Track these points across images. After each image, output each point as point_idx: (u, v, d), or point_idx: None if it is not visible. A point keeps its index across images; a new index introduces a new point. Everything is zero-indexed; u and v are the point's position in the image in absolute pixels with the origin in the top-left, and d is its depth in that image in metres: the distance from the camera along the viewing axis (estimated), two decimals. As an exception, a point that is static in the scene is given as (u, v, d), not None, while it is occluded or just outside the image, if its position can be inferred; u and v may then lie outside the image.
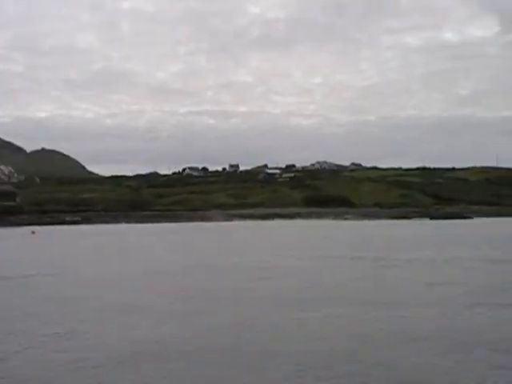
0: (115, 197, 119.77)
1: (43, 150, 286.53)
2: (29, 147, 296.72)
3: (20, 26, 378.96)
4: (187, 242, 45.41)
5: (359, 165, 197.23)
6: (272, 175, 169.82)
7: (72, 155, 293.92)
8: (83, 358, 9.74)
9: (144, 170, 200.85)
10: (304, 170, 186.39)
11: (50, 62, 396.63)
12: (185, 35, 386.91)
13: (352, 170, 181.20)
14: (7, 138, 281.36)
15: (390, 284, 18.64)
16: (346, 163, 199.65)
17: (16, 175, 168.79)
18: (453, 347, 10.18)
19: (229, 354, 9.97)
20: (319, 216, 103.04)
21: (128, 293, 17.47)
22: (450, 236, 47.76)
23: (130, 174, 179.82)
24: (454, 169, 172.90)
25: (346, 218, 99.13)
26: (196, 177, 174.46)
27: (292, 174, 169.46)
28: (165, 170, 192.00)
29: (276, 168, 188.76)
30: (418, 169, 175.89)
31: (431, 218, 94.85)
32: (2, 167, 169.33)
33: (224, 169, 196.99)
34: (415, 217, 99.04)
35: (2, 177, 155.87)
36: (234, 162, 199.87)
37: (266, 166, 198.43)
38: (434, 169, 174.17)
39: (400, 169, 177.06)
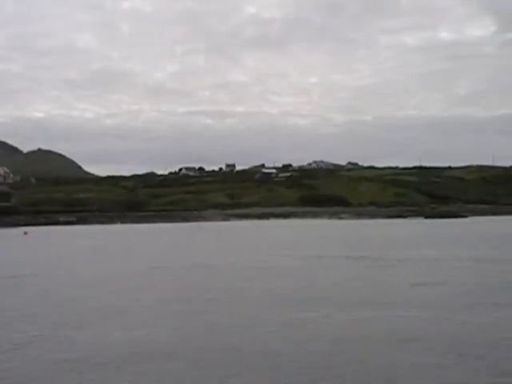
0: (111, 197, 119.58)
1: (40, 150, 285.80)
2: (26, 147, 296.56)
3: (19, 25, 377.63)
4: (184, 243, 45.38)
5: (356, 164, 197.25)
6: (268, 175, 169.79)
7: (69, 155, 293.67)
8: (87, 356, 9.80)
9: (141, 170, 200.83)
10: (301, 169, 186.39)
11: (50, 62, 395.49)
12: (181, 35, 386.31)
13: (349, 170, 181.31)
14: (4, 139, 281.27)
15: (386, 284, 18.63)
16: (343, 163, 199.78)
17: (12, 176, 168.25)
18: (452, 347, 10.25)
19: (228, 354, 10.00)
20: (315, 215, 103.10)
21: (127, 293, 17.51)
22: (444, 235, 47.81)
23: (128, 174, 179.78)
24: (450, 168, 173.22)
25: (341, 218, 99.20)
26: (192, 177, 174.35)
27: (288, 174, 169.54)
28: (162, 170, 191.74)
29: (273, 168, 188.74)
30: (414, 168, 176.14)
31: (426, 217, 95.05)
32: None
33: (220, 169, 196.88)
34: (410, 216, 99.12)
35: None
36: (230, 162, 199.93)
37: (262, 165, 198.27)
38: (431, 168, 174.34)
39: (397, 168, 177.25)
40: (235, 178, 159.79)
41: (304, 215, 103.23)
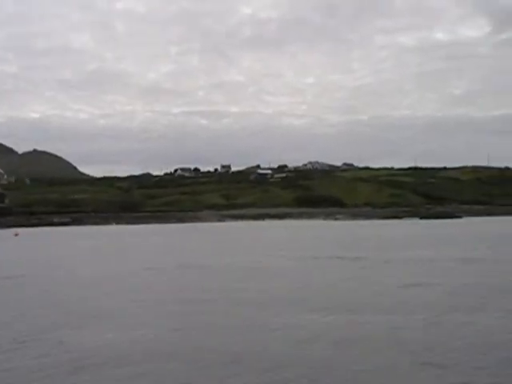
0: (106, 198, 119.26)
1: (35, 151, 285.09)
2: (21, 148, 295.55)
3: (13, 26, 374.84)
4: (179, 243, 45.29)
5: (351, 165, 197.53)
6: (264, 175, 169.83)
7: (64, 156, 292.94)
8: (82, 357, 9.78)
9: (137, 170, 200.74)
10: (296, 170, 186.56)
11: (44, 63, 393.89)
12: (176, 35, 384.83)
13: (344, 170, 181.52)
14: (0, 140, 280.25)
15: (381, 284, 18.60)
16: (338, 163, 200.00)
17: (6, 177, 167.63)
18: (452, 348, 10.24)
19: (227, 354, 9.96)
20: (310, 216, 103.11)
21: (122, 294, 17.47)
22: (439, 235, 47.95)
23: (123, 174, 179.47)
24: (445, 168, 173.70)
25: (336, 218, 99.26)
26: (188, 177, 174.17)
27: (284, 175, 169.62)
28: (157, 171, 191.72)
29: (268, 168, 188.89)
30: (409, 168, 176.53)
31: (421, 218, 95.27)
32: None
33: (216, 169, 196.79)
34: (405, 216, 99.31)
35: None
36: (225, 163, 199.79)
37: (258, 166, 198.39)
38: (426, 168, 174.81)
39: (392, 169, 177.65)
40: (230, 179, 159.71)
41: (299, 216, 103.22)
